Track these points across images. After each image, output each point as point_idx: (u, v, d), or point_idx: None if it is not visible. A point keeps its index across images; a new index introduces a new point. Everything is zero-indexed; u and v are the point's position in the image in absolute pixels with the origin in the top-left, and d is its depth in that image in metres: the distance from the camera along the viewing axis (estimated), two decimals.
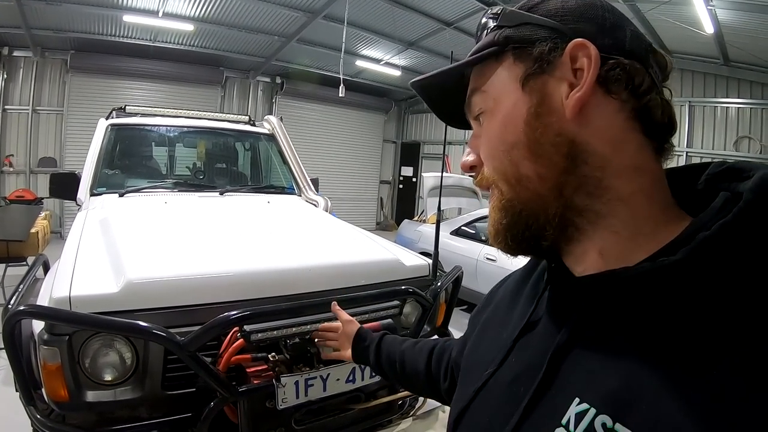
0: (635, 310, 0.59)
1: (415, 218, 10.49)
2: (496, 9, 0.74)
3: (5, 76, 10.61)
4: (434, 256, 3.17)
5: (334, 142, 14.76)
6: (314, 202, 4.59)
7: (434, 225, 7.69)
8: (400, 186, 16.59)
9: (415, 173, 15.87)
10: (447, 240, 7.40)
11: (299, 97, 13.94)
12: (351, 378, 2.32)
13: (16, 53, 10.66)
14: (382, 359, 1.41)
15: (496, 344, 0.80)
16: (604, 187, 0.63)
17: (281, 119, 5.46)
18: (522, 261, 0.87)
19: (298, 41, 10.98)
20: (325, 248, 2.99)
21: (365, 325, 2.36)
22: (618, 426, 0.53)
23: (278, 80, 13.65)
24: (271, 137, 5.23)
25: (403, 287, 2.69)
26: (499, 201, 0.71)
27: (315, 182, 5.07)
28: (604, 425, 0.54)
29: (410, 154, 16.29)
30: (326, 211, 4.39)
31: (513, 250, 0.72)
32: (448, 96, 0.82)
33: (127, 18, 9.28)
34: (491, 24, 0.73)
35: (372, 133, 15.87)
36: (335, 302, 1.71)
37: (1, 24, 9.48)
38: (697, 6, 6.79)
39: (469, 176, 0.80)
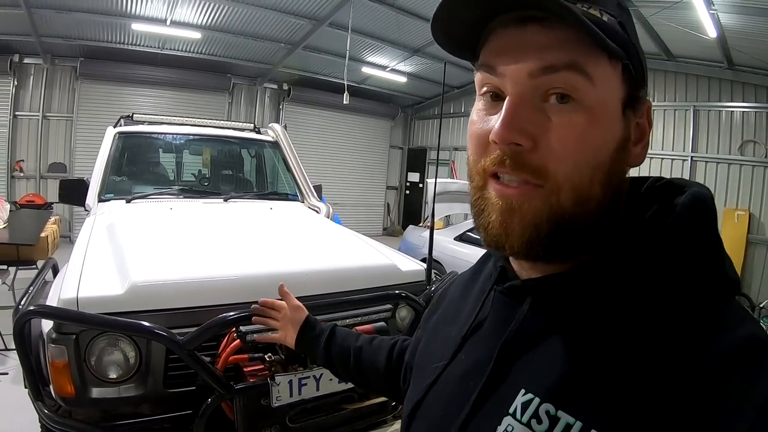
0: (570, 309, 0.65)
1: (420, 224, 10.54)
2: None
3: (16, 83, 10.74)
4: (428, 262, 3.25)
5: (341, 148, 14.81)
6: (316, 209, 4.67)
7: (439, 231, 7.82)
8: (407, 192, 16.58)
9: (422, 179, 15.79)
10: (451, 246, 7.46)
11: (306, 103, 14.01)
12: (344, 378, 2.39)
13: (26, 60, 10.81)
14: (332, 351, 1.35)
15: (447, 342, 0.83)
16: (617, 220, 0.68)
17: (285, 127, 5.55)
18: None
19: (304, 48, 11.07)
20: (323, 253, 3.09)
21: (358, 328, 2.48)
22: (560, 413, 0.58)
23: (285, 87, 13.73)
24: (275, 145, 5.32)
25: (396, 291, 2.77)
26: (549, 209, 0.63)
27: (318, 189, 5.16)
28: (547, 412, 0.59)
29: (417, 159, 16.29)
30: (328, 217, 4.48)
31: (535, 258, 0.68)
32: (473, 12, 0.65)
33: (136, 26, 9.43)
34: (610, 9, 0.65)
35: (379, 139, 15.91)
36: (283, 284, 1.61)
37: (11, 32, 9.64)
38: (699, 10, 6.80)
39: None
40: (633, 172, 0.73)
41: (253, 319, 1.59)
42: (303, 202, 4.87)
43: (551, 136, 0.62)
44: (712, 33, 7.39)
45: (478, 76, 0.70)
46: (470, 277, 0.93)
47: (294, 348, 1.45)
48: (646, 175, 0.76)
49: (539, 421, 0.59)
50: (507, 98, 0.64)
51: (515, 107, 0.63)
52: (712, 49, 8.28)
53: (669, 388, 0.53)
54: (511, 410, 0.64)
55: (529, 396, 0.62)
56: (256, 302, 2.32)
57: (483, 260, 0.93)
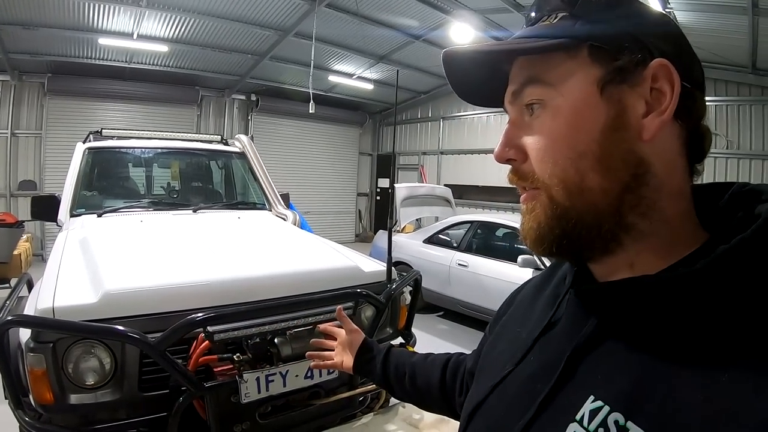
0: (652, 316, 0.61)
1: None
2: None
3: None
4: (388, 261, 3.35)
5: (310, 157, 14.88)
6: (283, 216, 4.80)
7: (409, 234, 7.97)
8: (378, 198, 16.66)
9: (391, 184, 15.74)
10: (421, 248, 7.62)
11: (275, 113, 14.09)
12: (309, 374, 2.55)
13: None
14: (389, 371, 1.33)
15: (515, 344, 0.81)
16: (656, 209, 0.64)
17: (252, 138, 5.66)
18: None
19: (271, 59, 11.18)
20: (288, 258, 3.22)
21: (321, 327, 2.59)
22: (630, 424, 0.55)
23: (253, 97, 13.80)
24: (243, 155, 5.43)
25: (356, 290, 2.91)
26: (550, 208, 0.67)
27: (285, 197, 5.30)
28: (616, 422, 0.56)
29: (387, 165, 16.35)
30: (294, 224, 4.61)
31: (553, 255, 0.72)
32: (477, 72, 0.77)
33: (103, 41, 9.45)
34: (562, 8, 0.69)
35: (348, 146, 16.03)
36: (340, 308, 1.54)
37: None
38: (654, 8, 6.86)
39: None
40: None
41: (310, 342, 1.60)
42: (270, 210, 4.99)
43: (528, 143, 0.69)
44: None
45: None
46: (542, 281, 0.93)
47: (352, 372, 1.42)
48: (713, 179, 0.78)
49: (607, 431, 0.57)
50: None
51: (506, 130, 0.72)
52: None
53: (741, 418, 0.48)
54: (578, 417, 0.61)
55: (599, 403, 0.60)
56: (227, 305, 2.50)
57: (555, 264, 0.92)
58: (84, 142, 4.99)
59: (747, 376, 0.50)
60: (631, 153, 0.64)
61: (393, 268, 3.37)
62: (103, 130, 5.45)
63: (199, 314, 2.34)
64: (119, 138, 5.36)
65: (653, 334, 0.60)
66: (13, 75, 10.73)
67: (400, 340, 3.45)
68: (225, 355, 2.44)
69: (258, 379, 2.38)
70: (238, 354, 2.44)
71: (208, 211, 4.50)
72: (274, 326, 2.50)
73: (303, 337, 2.56)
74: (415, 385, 1.28)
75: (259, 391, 2.39)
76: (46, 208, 4.29)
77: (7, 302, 2.72)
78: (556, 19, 0.69)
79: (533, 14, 0.73)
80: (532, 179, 0.69)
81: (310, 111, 9.39)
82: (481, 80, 0.78)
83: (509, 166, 0.73)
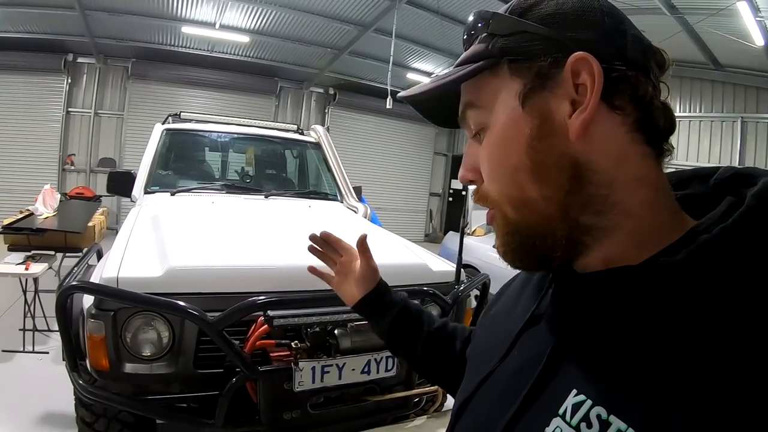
0: (634, 307, 0.59)
1: None
2: (484, 12, 0.70)
3: (70, 80, 11.32)
4: (458, 262, 3.26)
5: (385, 153, 14.93)
6: (354, 209, 4.74)
7: (479, 237, 7.82)
8: (450, 199, 16.57)
9: (465, 186, 15.58)
10: (490, 253, 7.38)
11: (352, 108, 14.19)
12: (366, 369, 2.47)
13: (80, 60, 11.37)
14: (400, 329, 1.23)
15: (501, 338, 0.80)
16: (610, 204, 0.62)
17: (328, 129, 5.63)
18: None
19: (350, 53, 11.26)
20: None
21: None
22: (612, 418, 0.54)
23: (331, 91, 13.93)
24: (317, 146, 5.42)
25: (424, 288, 2.80)
26: (504, 225, 0.69)
27: (357, 190, 5.23)
28: (599, 416, 0.55)
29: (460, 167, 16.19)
30: (365, 217, 4.54)
31: (524, 268, 0.74)
32: (440, 102, 0.78)
33: (186, 29, 9.79)
34: (481, 30, 0.70)
35: (423, 145, 15.96)
36: (365, 236, 1.36)
37: (66, 32, 10.19)
38: (745, 18, 6.65)
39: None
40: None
41: (308, 248, 1.41)
42: (342, 202, 4.94)
43: (481, 166, 0.71)
44: (759, 41, 7.22)
45: None
46: (526, 275, 0.90)
47: (350, 306, 1.31)
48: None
49: (589, 425, 0.56)
50: None
51: (465, 153, 0.75)
52: (760, 58, 8.02)
53: (723, 409, 0.48)
54: (560, 411, 0.60)
55: (581, 397, 0.58)
56: (288, 291, 2.43)
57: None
58: (163, 124, 5.09)
59: (731, 371, 0.49)
60: (563, 157, 0.63)
61: (462, 270, 3.27)
62: (181, 113, 5.56)
63: (261, 297, 2.31)
64: (197, 121, 5.44)
65: (635, 326, 0.58)
66: (99, 58, 11.32)
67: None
68: (283, 341, 2.39)
69: (314, 368, 2.32)
70: (296, 341, 2.39)
71: (279, 198, 4.49)
72: (335, 317, 2.43)
73: (364, 331, 2.48)
74: (426, 357, 1.21)
75: (313, 381, 2.33)
76: (121, 184, 4.40)
77: (75, 269, 2.75)
78: (477, 42, 0.70)
79: (464, 38, 0.74)
80: (488, 200, 0.71)
81: (387, 106, 9.36)
82: (448, 108, 0.78)
83: None
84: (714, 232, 0.56)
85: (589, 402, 0.57)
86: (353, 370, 2.43)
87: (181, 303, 2.20)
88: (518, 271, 0.94)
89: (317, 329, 2.42)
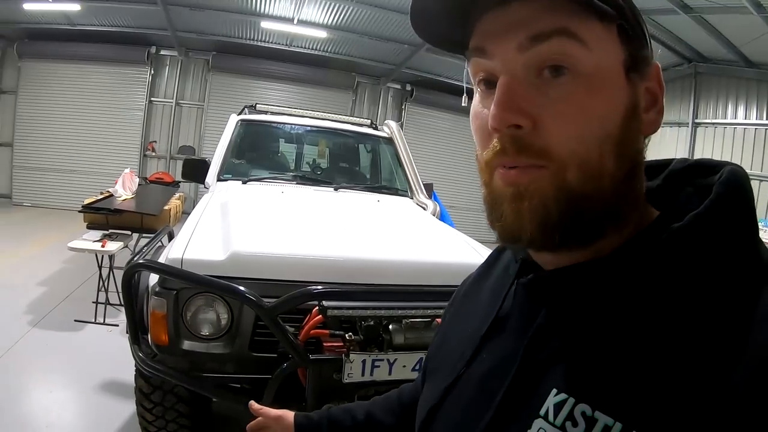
0: (608, 300, 0.58)
1: None
2: None
3: (152, 71, 11.95)
4: None
5: (459, 151, 14.50)
6: (424, 206, 4.68)
7: None
8: None
9: None
10: None
11: (428, 105, 14.12)
12: (417, 367, 2.43)
13: (162, 52, 11.97)
14: (339, 424, 1.12)
15: (463, 342, 0.78)
16: (640, 202, 0.63)
17: (401, 125, 5.59)
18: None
19: (427, 50, 11.13)
20: (418, 246, 3.13)
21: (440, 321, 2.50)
22: (598, 413, 0.53)
23: (408, 87, 13.92)
24: (390, 141, 5.40)
25: None
26: (561, 192, 0.58)
27: (428, 187, 5.19)
28: (583, 413, 0.54)
29: None
30: (434, 215, 4.46)
31: (552, 246, 0.61)
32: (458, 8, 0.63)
33: (265, 24, 10.07)
34: None
35: None
36: (252, 403, 1.20)
37: (149, 26, 10.73)
38: None
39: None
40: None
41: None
42: (412, 198, 4.89)
43: (550, 112, 0.57)
44: None
45: (470, 66, 0.66)
46: (481, 275, 0.88)
47: None
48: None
49: (575, 424, 0.54)
50: (499, 79, 0.59)
51: (508, 87, 0.58)
52: None
53: (706, 391, 0.48)
54: (542, 412, 0.58)
55: (563, 396, 0.57)
56: (345, 283, 2.46)
57: (495, 255, 0.88)
58: (238, 115, 5.22)
59: (709, 356, 0.49)
60: (637, 143, 0.62)
61: None
62: (257, 105, 5.70)
63: (317, 287, 2.34)
64: (272, 113, 5.55)
65: (611, 319, 0.57)
66: (180, 51, 11.86)
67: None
68: (337, 332, 2.39)
69: (364, 361, 2.33)
70: (350, 333, 2.39)
71: (348, 191, 4.50)
72: (390, 312, 2.43)
73: (419, 328, 2.46)
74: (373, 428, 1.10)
75: (363, 374, 2.34)
76: (196, 171, 4.54)
77: (145, 248, 2.87)
78: None
79: None
80: (540, 154, 0.58)
81: (463, 104, 9.24)
82: (452, 13, 0.64)
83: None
84: (686, 219, 0.56)
85: (571, 400, 0.56)
86: (404, 366, 2.41)
87: (240, 287, 2.26)
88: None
89: (371, 323, 2.41)
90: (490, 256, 0.89)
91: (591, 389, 0.55)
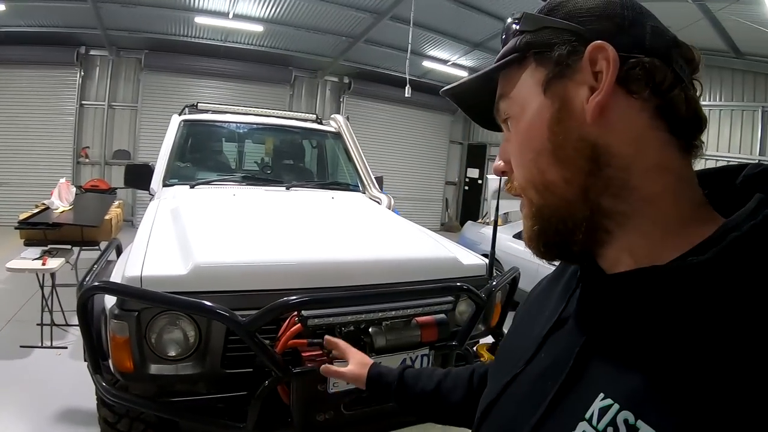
0: (663, 309, 0.58)
1: (479, 220, 10.43)
2: (517, 14, 0.73)
3: (82, 73, 11.29)
4: (490, 256, 3.18)
5: (400, 142, 14.81)
6: (378, 200, 4.66)
7: (498, 227, 7.71)
8: (466, 188, 16.47)
9: (481, 175, 15.62)
10: (509, 243, 7.31)
11: (366, 96, 14.09)
12: None
13: (92, 52, 11.34)
14: (406, 401, 1.27)
15: (528, 340, 0.80)
16: (630, 188, 0.63)
17: (348, 118, 5.55)
18: None
19: (365, 42, 11.12)
20: (385, 243, 3.07)
21: (418, 319, 2.43)
22: (640, 423, 0.53)
23: (346, 80, 13.85)
24: (338, 135, 5.34)
25: (457, 284, 2.70)
26: (529, 209, 0.71)
27: (379, 180, 5.16)
28: (626, 421, 0.54)
29: (476, 155, 16.15)
30: (389, 208, 4.46)
31: (546, 256, 0.72)
32: (481, 99, 0.82)
33: (199, 19, 9.71)
34: (514, 28, 0.73)
35: (438, 133, 15.83)
36: (328, 338, 1.58)
37: (78, 25, 10.15)
38: None
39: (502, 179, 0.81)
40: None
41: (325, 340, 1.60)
42: (364, 192, 4.86)
43: (510, 155, 0.75)
44: None
45: None
46: (555, 276, 0.91)
47: (364, 387, 1.38)
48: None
49: (616, 430, 0.55)
50: None
51: (501, 146, 0.79)
52: None
53: (762, 417, 0.46)
54: (587, 415, 0.59)
55: (608, 401, 0.58)
56: (319, 288, 2.39)
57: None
58: (180, 115, 5.03)
59: (761, 377, 0.47)
60: (582, 140, 0.65)
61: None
62: (198, 104, 5.50)
63: (294, 297, 2.22)
64: (214, 112, 5.37)
65: (664, 328, 0.57)
66: (111, 50, 11.35)
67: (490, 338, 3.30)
68: (315, 340, 2.28)
69: None
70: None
71: (300, 189, 4.42)
72: (371, 315, 2.34)
73: (399, 328, 2.40)
74: (440, 411, 1.23)
75: (348, 383, 2.22)
76: (139, 177, 4.34)
77: (95, 266, 2.67)
78: (510, 38, 0.74)
79: (502, 37, 0.77)
80: (517, 188, 0.74)
81: (406, 95, 9.25)
82: (489, 109, 0.80)
83: None
84: (744, 230, 0.55)
85: (616, 406, 0.56)
86: None
87: (211, 304, 2.12)
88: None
89: (351, 328, 2.33)
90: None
91: (635, 397, 0.55)
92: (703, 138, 0.67)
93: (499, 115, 0.77)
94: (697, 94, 0.67)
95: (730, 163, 0.72)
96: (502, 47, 0.76)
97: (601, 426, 0.57)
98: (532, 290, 0.99)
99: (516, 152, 0.73)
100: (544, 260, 0.74)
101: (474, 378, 1.19)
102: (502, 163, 0.77)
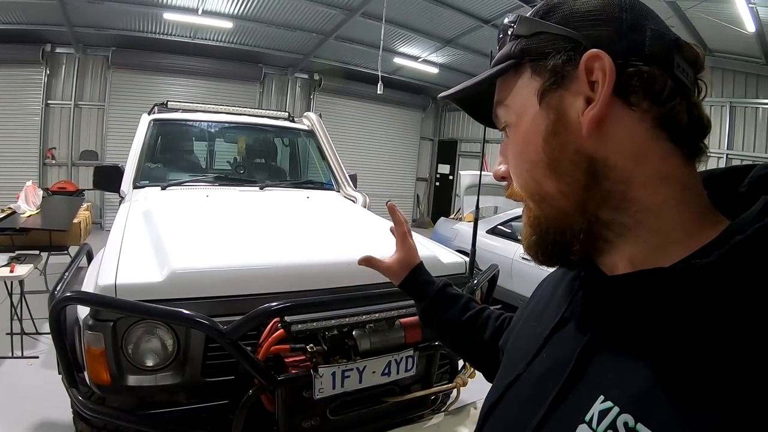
0: (665, 311, 0.58)
1: (452, 216, 10.43)
2: (513, 16, 0.72)
3: (48, 72, 10.99)
4: (471, 253, 3.18)
5: (371, 139, 14.85)
6: (353, 198, 4.62)
7: (470, 223, 7.73)
8: (437, 183, 16.57)
9: (452, 171, 15.84)
10: (482, 239, 7.32)
11: (337, 93, 14.08)
12: (386, 371, 2.35)
13: (58, 50, 11.04)
14: (434, 317, 1.28)
15: (531, 340, 0.80)
16: (629, 200, 0.62)
17: (320, 116, 5.51)
18: None
19: (336, 38, 11.06)
20: (365, 244, 2.99)
21: (402, 320, 2.40)
22: (639, 426, 0.53)
23: (316, 77, 13.79)
24: (311, 133, 5.28)
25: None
26: (527, 217, 0.71)
27: (354, 178, 5.12)
28: (626, 424, 0.54)
29: (447, 151, 16.26)
30: (364, 207, 4.42)
31: (546, 263, 0.72)
32: (480, 101, 0.80)
33: (168, 15, 9.53)
34: (509, 32, 0.72)
35: (409, 130, 15.89)
36: (391, 203, 1.49)
37: (44, 22, 9.86)
38: (738, 4, 6.63)
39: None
40: None
41: (394, 215, 1.47)
42: (339, 191, 4.82)
43: (509, 162, 0.75)
44: (750, 27, 7.24)
45: None
46: (560, 276, 0.89)
47: (397, 285, 1.36)
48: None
49: None
50: None
51: (500, 150, 0.78)
52: (751, 45, 8.12)
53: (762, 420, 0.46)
54: (587, 417, 0.59)
55: (608, 404, 0.57)
56: (300, 291, 2.35)
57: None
58: (149, 114, 4.90)
59: (762, 383, 0.46)
60: (578, 153, 0.64)
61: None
62: (168, 103, 5.38)
63: (276, 302, 2.17)
64: (185, 111, 5.26)
65: (666, 332, 0.57)
66: (78, 48, 11.08)
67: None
68: (297, 346, 2.24)
69: (334, 374, 2.19)
70: (311, 345, 2.24)
71: (275, 189, 4.35)
72: (354, 318, 2.31)
73: (383, 330, 2.37)
74: (460, 338, 1.25)
75: (334, 387, 2.20)
76: (108, 179, 4.20)
77: (66, 274, 2.58)
78: (506, 42, 0.73)
79: (499, 37, 0.76)
80: (516, 195, 0.73)
81: (379, 92, 9.23)
82: (490, 108, 0.79)
83: None
84: (748, 233, 0.54)
85: (616, 409, 0.56)
86: (374, 372, 2.31)
87: (190, 312, 2.05)
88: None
89: (335, 332, 2.29)
90: None
91: (636, 400, 0.55)
92: None
93: (498, 120, 0.77)
94: (702, 95, 0.66)
95: (737, 164, 0.71)
96: (498, 50, 0.75)
97: (600, 429, 0.56)
98: (536, 289, 0.98)
99: (513, 161, 0.73)
100: (543, 266, 0.75)
101: (502, 324, 1.19)
102: (503, 168, 0.76)
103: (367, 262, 1.41)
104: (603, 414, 0.57)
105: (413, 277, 1.33)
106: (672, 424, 0.50)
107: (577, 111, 0.63)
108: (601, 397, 0.58)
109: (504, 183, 0.77)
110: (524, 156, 0.69)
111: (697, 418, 0.49)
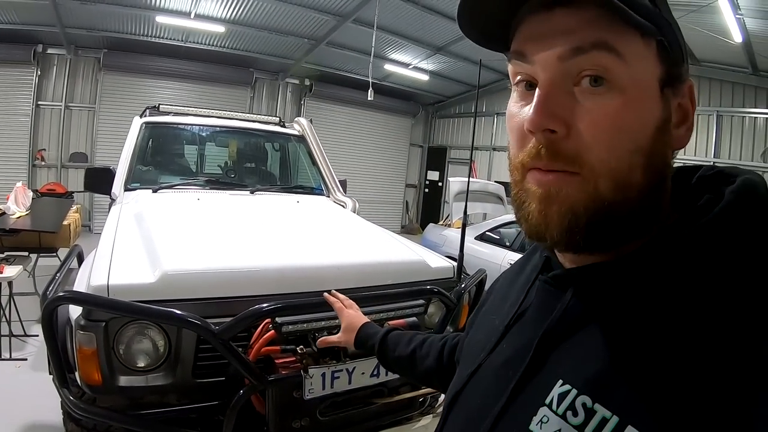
0: (613, 300, 0.63)
1: (441, 222, 10.46)
2: None
3: (39, 72, 10.91)
4: (459, 258, 3.22)
5: (361, 145, 14.84)
6: (342, 203, 4.64)
7: (459, 229, 7.78)
8: (426, 190, 16.57)
9: (441, 177, 15.81)
10: (471, 245, 7.35)
11: (328, 99, 14.09)
12: (375, 372, 2.38)
13: (50, 51, 10.96)
14: (387, 360, 1.38)
15: (490, 332, 0.82)
16: (662, 216, 0.65)
17: (311, 121, 5.53)
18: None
19: (328, 44, 11.09)
20: (354, 248, 3.06)
21: (391, 323, 2.43)
22: (597, 406, 0.56)
23: (307, 82, 13.81)
24: (301, 138, 5.30)
25: (428, 287, 2.73)
26: (590, 199, 0.61)
27: (343, 184, 5.14)
28: (584, 405, 0.57)
29: (437, 158, 16.28)
30: (354, 212, 4.44)
31: (576, 248, 0.65)
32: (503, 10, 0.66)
33: (160, 18, 9.50)
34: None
35: (399, 136, 15.90)
36: (327, 295, 1.72)
37: (35, 22, 9.80)
38: (725, 14, 6.75)
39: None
40: None
41: (330, 301, 1.68)
42: (329, 196, 4.84)
43: (584, 121, 0.61)
44: (737, 38, 7.36)
45: (511, 67, 0.69)
46: (517, 270, 0.92)
47: (354, 347, 1.48)
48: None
49: (575, 414, 0.58)
50: (539, 85, 0.63)
51: (547, 93, 0.62)
52: (737, 54, 8.25)
53: (710, 392, 0.49)
54: (547, 401, 0.62)
55: (567, 387, 0.61)
56: (290, 294, 2.37)
57: (531, 252, 0.91)
58: (141, 117, 4.91)
59: (706, 360, 0.51)
60: (666, 157, 0.64)
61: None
62: (160, 106, 5.38)
63: (266, 304, 2.20)
64: (176, 114, 5.26)
65: (618, 318, 0.61)
66: (69, 49, 10.99)
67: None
68: (288, 347, 2.26)
69: (324, 375, 2.22)
70: (301, 346, 2.27)
71: (265, 193, 4.37)
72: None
73: None
74: (416, 373, 1.32)
75: (324, 388, 2.23)
76: (100, 181, 4.20)
77: (57, 275, 2.58)
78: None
79: None
80: (572, 161, 0.61)
81: (369, 98, 9.27)
82: (499, 10, 0.67)
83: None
84: (697, 225, 0.60)
85: (574, 391, 0.59)
86: (363, 373, 2.34)
87: (183, 313, 2.07)
88: (506, 268, 1.00)
89: (326, 333, 2.30)
90: (527, 252, 0.93)
91: (592, 382, 0.58)
92: None
93: (579, 59, 0.60)
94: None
95: (687, 164, 0.75)
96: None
97: (560, 410, 0.59)
98: (493, 283, 1.02)
99: (608, 129, 0.60)
100: (561, 250, 0.71)
101: (445, 348, 1.25)
102: (550, 120, 0.61)
103: (324, 342, 1.67)
104: (562, 396, 0.60)
105: (360, 335, 1.45)
106: (626, 404, 0.54)
107: (673, 120, 0.64)
108: (560, 381, 0.62)
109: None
110: (632, 135, 0.60)
111: (648, 398, 0.52)
